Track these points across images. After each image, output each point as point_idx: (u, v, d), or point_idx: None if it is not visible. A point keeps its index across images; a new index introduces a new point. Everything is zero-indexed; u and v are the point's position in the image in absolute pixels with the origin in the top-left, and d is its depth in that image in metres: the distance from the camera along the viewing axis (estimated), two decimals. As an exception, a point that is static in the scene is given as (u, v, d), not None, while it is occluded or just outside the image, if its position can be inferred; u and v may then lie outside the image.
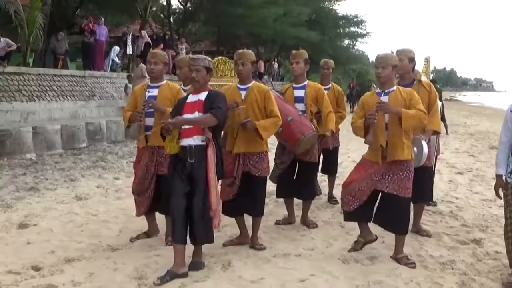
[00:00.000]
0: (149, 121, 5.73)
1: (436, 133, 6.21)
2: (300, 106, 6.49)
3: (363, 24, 47.65)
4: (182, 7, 34.23)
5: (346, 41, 50.31)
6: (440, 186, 9.32)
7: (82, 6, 24.91)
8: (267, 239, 6.07)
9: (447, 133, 18.92)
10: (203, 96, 5.01)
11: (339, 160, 12.38)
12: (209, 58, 5.18)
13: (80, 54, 21.99)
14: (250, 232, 5.84)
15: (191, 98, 5.07)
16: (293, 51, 6.75)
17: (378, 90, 5.38)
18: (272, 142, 6.52)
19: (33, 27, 15.88)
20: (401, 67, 5.83)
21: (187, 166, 4.89)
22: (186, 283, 4.70)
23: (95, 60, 19.58)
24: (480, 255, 5.65)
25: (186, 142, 4.90)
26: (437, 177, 9.97)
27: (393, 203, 5.18)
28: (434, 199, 7.53)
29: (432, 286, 4.77)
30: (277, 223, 6.73)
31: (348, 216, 5.55)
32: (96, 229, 6.48)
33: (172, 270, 4.80)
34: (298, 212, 6.93)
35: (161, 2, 32.27)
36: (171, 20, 32.37)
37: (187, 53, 21.73)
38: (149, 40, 22.09)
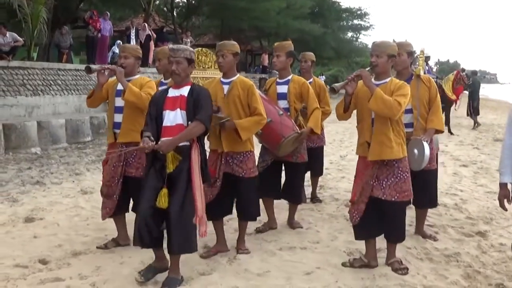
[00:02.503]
0: (118, 117, 5.42)
1: (439, 132, 5.75)
2: (283, 104, 6.07)
3: (366, 16, 47.69)
4: (185, 0, 34.20)
5: (350, 34, 50.27)
6: (444, 178, 9.31)
7: (86, 0, 24.90)
8: (272, 233, 6.09)
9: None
10: (185, 91, 4.58)
11: (343, 153, 12.54)
12: (191, 49, 4.76)
13: (83, 48, 21.99)
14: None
15: (172, 93, 4.63)
16: (276, 43, 6.34)
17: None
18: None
19: (37, 21, 15.92)
20: (399, 62, 5.47)
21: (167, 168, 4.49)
22: (193, 276, 4.72)
23: (98, 54, 19.58)
24: (485, 247, 5.66)
25: None
26: (441, 170, 9.96)
27: (391, 210, 4.78)
28: (438, 192, 7.47)
29: (437, 279, 4.78)
30: (257, 230, 6.13)
31: (356, 231, 5.03)
32: (102, 223, 6.46)
33: (154, 266, 4.68)
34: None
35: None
36: (175, 14, 32.31)
37: (191, 47, 21.80)
38: (149, 32, 22.08)
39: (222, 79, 5.34)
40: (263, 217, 6.04)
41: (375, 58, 4.74)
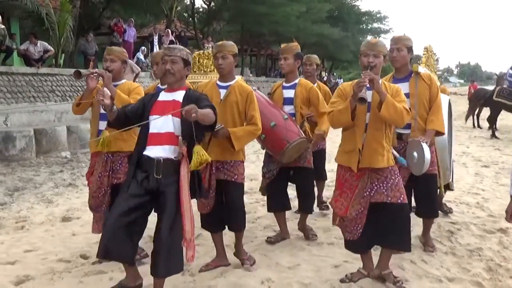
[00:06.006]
0: (103, 125, 4.99)
1: (439, 134, 5.20)
2: (289, 109, 5.66)
3: (386, 20, 47.72)
4: (206, 6, 34.53)
5: (369, 37, 50.25)
6: (466, 178, 9.49)
7: (108, 7, 25.32)
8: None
9: None
10: (179, 96, 4.09)
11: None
12: (188, 50, 4.27)
13: (106, 55, 22.27)
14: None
15: (164, 97, 4.15)
16: (282, 45, 5.93)
17: None
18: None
19: (63, 29, 16.36)
20: (399, 58, 5.09)
21: (151, 181, 3.96)
22: (227, 269, 4.97)
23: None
24: (506, 243, 5.83)
25: (153, 152, 3.97)
26: (463, 171, 10.17)
27: (397, 215, 4.34)
28: (461, 192, 7.61)
29: (460, 271, 4.98)
30: (269, 240, 5.81)
31: (353, 245, 4.60)
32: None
33: (124, 283, 4.38)
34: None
35: (185, 1, 32.64)
36: (195, 20, 32.65)
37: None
38: (173, 38, 22.41)
39: (218, 83, 4.99)
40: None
41: (372, 58, 4.30)
